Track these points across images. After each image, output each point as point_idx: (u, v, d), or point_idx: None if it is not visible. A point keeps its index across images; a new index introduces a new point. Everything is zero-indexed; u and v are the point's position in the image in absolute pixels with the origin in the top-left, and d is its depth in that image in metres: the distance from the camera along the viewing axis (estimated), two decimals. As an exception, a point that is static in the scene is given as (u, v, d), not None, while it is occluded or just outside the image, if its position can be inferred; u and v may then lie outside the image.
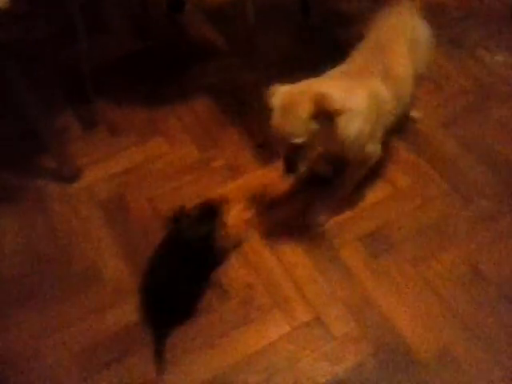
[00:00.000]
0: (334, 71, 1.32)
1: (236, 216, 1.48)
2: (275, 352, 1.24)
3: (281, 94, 1.20)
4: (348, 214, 1.49)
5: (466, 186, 1.56)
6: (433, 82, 1.82)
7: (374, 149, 1.36)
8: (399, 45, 1.37)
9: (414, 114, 1.69)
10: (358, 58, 1.35)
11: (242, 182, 1.57)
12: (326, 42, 1.99)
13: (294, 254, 1.41)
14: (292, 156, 1.21)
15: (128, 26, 2.09)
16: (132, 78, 1.89)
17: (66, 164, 1.61)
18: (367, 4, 1.99)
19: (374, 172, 1.57)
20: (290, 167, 1.23)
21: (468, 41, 1.97)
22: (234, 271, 1.38)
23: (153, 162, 1.64)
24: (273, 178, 1.56)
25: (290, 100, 1.18)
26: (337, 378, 1.20)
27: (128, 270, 1.39)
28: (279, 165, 1.56)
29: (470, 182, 1.56)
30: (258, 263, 1.39)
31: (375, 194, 1.53)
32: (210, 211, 1.31)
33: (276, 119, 1.18)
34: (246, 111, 1.73)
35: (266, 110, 1.20)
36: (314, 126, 1.16)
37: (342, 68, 1.33)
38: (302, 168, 1.23)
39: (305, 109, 1.15)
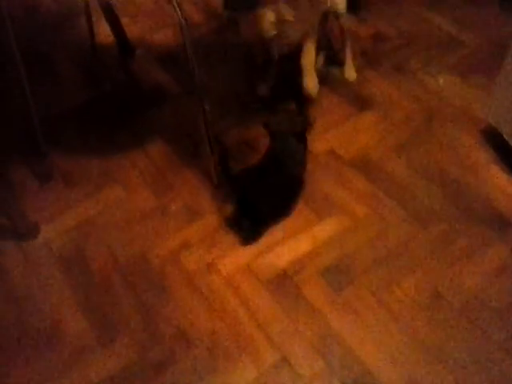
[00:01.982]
0: None
1: (197, 260, 1.48)
2: (244, 398, 1.23)
3: None
4: (308, 248, 1.49)
5: (422, 210, 1.59)
6: (379, 110, 1.87)
7: None
8: None
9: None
10: None
11: (201, 225, 1.57)
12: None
13: (257, 295, 1.40)
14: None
15: (78, 73, 2.09)
16: (86, 126, 1.89)
17: (22, 220, 1.58)
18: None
19: (330, 204, 1.60)
20: None
21: (411, 67, 2.04)
22: (196, 318, 1.36)
23: (110, 212, 1.62)
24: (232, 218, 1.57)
25: None
26: (308, 420, 1.19)
27: (90, 327, 1.36)
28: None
29: (425, 206, 1.60)
30: (221, 308, 1.38)
31: (333, 226, 1.54)
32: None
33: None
34: (200, 152, 1.74)
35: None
36: None
37: None
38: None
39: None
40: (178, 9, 1.37)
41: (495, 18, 2.23)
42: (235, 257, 1.49)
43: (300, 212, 1.58)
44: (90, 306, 1.41)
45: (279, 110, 1.61)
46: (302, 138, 1.57)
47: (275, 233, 1.53)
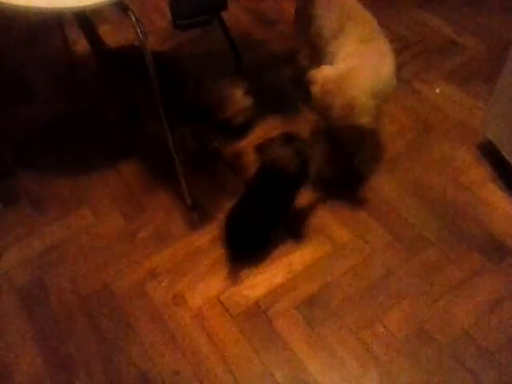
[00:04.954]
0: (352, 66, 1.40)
1: (163, 292, 1.38)
2: None
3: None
4: (284, 278, 1.38)
5: (410, 234, 1.46)
6: (370, 123, 1.74)
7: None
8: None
9: None
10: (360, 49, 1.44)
11: (170, 252, 1.46)
12: (259, 86, 1.90)
13: (226, 331, 1.29)
14: None
15: (52, 88, 1.98)
16: (59, 144, 1.79)
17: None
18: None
19: (310, 227, 1.48)
20: None
21: (405, 74, 1.90)
22: (160, 358, 1.26)
23: (77, 237, 1.52)
24: (204, 244, 1.47)
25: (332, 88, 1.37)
26: None
27: (44, 367, 1.27)
28: (210, 229, 1.51)
29: (414, 229, 1.47)
30: (186, 346, 1.27)
31: (312, 252, 1.43)
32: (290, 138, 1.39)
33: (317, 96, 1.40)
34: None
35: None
36: None
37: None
38: None
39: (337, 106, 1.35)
40: (137, 25, 1.26)
41: (498, 20, 2.08)
42: (205, 287, 1.38)
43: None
44: (48, 342, 1.31)
45: (285, 139, 1.39)
46: (294, 182, 1.39)
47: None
